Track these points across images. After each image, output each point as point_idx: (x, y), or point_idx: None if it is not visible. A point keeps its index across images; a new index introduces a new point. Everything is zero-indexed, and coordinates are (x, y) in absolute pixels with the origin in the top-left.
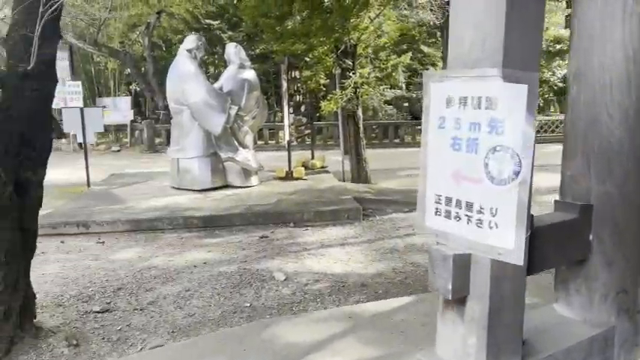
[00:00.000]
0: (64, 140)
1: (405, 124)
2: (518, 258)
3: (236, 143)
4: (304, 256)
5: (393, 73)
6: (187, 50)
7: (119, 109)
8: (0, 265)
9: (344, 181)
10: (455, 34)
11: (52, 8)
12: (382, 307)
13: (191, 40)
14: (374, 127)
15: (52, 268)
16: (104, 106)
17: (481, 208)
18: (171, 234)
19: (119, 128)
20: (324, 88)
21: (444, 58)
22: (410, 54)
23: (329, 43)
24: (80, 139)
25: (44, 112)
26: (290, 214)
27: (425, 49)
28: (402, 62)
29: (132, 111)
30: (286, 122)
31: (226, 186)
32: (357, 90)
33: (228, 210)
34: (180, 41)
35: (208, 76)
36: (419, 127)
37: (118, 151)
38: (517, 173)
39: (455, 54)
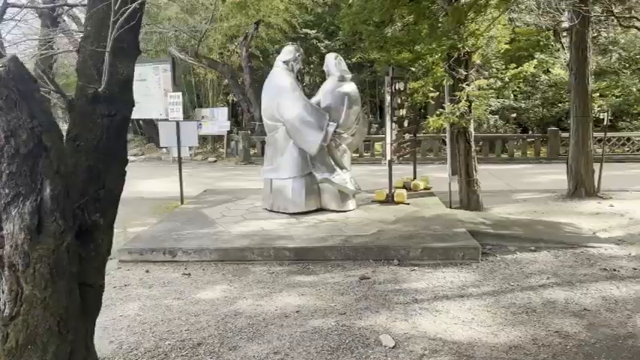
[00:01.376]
0: (164, 149)
1: (514, 137)
2: None
3: (332, 163)
4: (415, 310)
5: (511, 83)
6: (284, 62)
7: (217, 120)
8: (51, 336)
9: (451, 206)
10: None
11: (125, 15)
12: None
13: (288, 51)
14: (479, 140)
15: (131, 308)
16: (202, 117)
17: None
18: (261, 266)
19: (217, 138)
20: (432, 102)
21: (571, 68)
22: (534, 61)
23: (440, 50)
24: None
25: (117, 141)
26: (394, 250)
27: (537, 54)
28: (525, 71)
29: (229, 122)
30: (388, 139)
31: (321, 209)
32: (471, 103)
33: (323, 240)
34: (278, 51)
35: (304, 86)
36: (531, 140)
37: (215, 161)
38: None
39: None
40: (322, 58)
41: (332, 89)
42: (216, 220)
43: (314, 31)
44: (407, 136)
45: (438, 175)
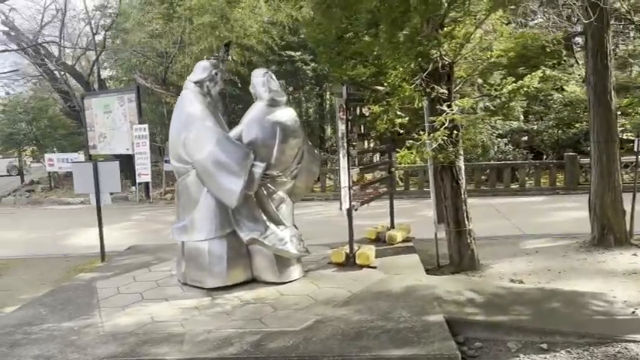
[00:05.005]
0: (133, 188)
1: (525, 164)
2: None
3: (264, 217)
4: None
5: (512, 103)
6: (195, 82)
7: None
8: None
9: (439, 264)
10: None
11: None
12: None
13: (202, 68)
14: (484, 168)
15: None
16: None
17: None
18: None
19: None
20: (401, 130)
21: (589, 82)
22: (539, 73)
23: (407, 60)
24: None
25: None
26: None
27: (547, 71)
28: (527, 86)
29: None
30: (344, 182)
31: (253, 281)
32: (456, 131)
33: (225, 344)
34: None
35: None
36: (544, 167)
37: None
38: None
39: None
40: (313, 83)
41: (259, 117)
42: (102, 301)
43: (299, 54)
44: (377, 174)
45: (425, 213)
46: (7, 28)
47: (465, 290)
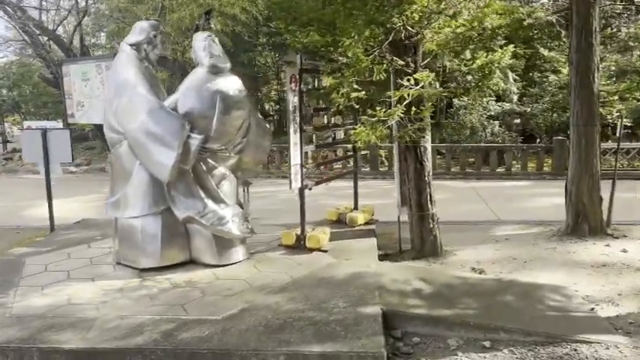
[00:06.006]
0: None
1: (512, 147)
2: None
3: (202, 195)
4: None
5: (486, 80)
6: (131, 45)
7: None
8: None
9: (401, 249)
10: None
11: None
12: None
13: (139, 30)
14: (470, 150)
15: None
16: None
17: None
18: None
19: None
20: (356, 105)
21: (571, 62)
22: (510, 48)
23: (361, 28)
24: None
25: None
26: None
27: (545, 52)
28: (496, 61)
29: None
30: (294, 159)
31: (190, 262)
32: (417, 106)
33: (134, 333)
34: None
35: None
36: (533, 151)
37: None
38: None
39: None
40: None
41: (197, 85)
42: (24, 279)
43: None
44: (338, 152)
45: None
46: None
47: (414, 279)
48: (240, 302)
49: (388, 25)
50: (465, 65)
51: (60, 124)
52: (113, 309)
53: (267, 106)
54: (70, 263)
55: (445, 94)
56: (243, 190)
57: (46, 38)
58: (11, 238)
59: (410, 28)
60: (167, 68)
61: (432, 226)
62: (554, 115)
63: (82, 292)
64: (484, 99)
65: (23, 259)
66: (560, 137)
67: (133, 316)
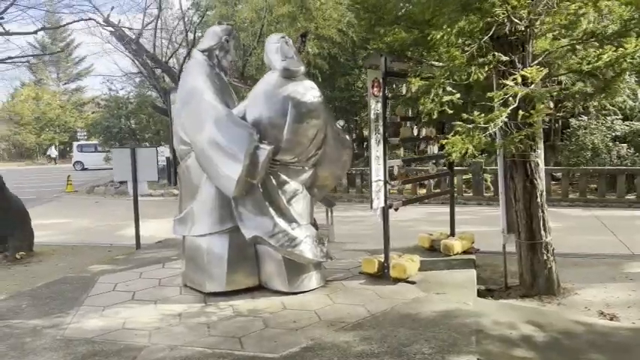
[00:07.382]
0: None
1: None
2: None
3: (272, 212)
4: None
5: (616, 82)
6: (203, 51)
7: None
8: None
9: (507, 286)
10: None
11: None
12: None
13: (211, 35)
14: (591, 174)
15: None
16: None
17: None
18: None
19: None
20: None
21: None
22: None
23: (456, 17)
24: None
25: None
26: None
27: None
28: (629, 55)
29: None
30: (376, 174)
31: (259, 287)
32: (522, 110)
33: None
34: (341, 72)
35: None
36: None
37: None
38: None
39: None
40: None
41: (267, 91)
42: (89, 298)
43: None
44: (431, 167)
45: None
46: (112, 29)
47: (522, 323)
48: (304, 339)
49: (489, 19)
50: (589, 64)
51: (167, 150)
52: (165, 337)
53: (365, 132)
54: (138, 283)
55: (556, 93)
56: (327, 212)
57: (159, 70)
58: (100, 255)
59: (517, 21)
60: None
61: (545, 257)
62: None
63: (139, 316)
64: (608, 117)
65: (97, 277)
66: None
67: (183, 347)
